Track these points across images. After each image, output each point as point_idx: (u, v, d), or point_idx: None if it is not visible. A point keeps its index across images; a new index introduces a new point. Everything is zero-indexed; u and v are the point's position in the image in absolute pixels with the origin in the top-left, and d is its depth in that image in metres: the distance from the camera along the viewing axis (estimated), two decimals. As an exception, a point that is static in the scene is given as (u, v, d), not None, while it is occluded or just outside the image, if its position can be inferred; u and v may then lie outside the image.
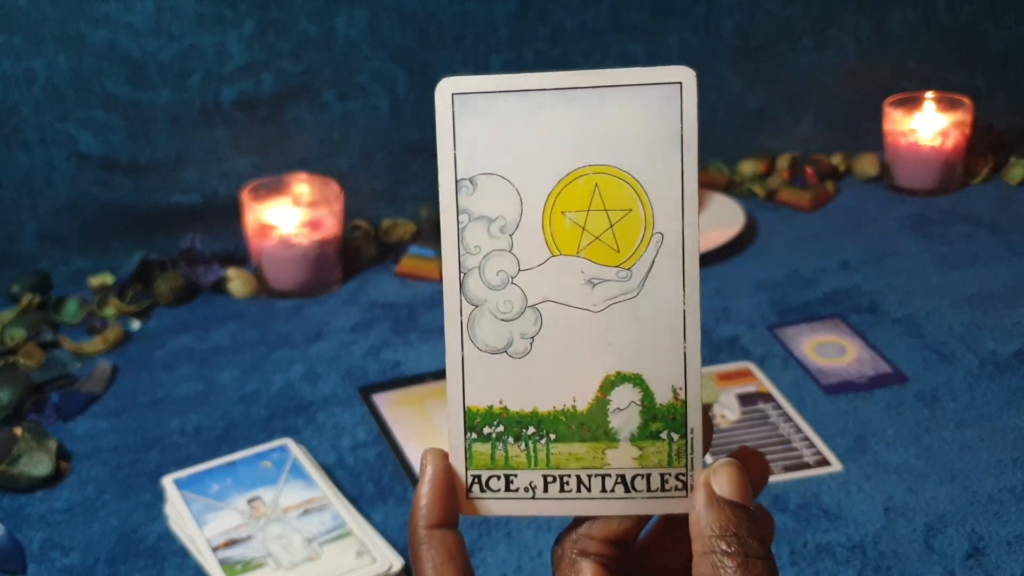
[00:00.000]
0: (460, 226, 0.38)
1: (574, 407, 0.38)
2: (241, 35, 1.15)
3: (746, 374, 0.94)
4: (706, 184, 1.34)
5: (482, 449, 0.39)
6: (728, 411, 0.89)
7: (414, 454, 0.85)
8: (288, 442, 0.85)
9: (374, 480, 0.83)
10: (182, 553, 0.76)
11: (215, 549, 0.74)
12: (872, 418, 0.88)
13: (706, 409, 0.39)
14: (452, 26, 1.22)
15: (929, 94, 1.33)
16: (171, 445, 0.88)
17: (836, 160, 1.39)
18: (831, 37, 1.37)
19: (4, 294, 1.13)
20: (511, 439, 0.39)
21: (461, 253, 0.38)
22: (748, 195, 1.33)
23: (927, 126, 1.30)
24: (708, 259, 1.16)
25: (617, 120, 0.37)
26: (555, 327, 0.38)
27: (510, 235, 0.38)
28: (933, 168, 1.31)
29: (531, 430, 0.39)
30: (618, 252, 0.38)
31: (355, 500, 0.80)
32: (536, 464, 0.39)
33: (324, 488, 0.80)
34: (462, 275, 0.38)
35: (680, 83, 0.37)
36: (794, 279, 1.12)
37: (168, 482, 0.80)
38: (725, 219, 1.22)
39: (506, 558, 0.74)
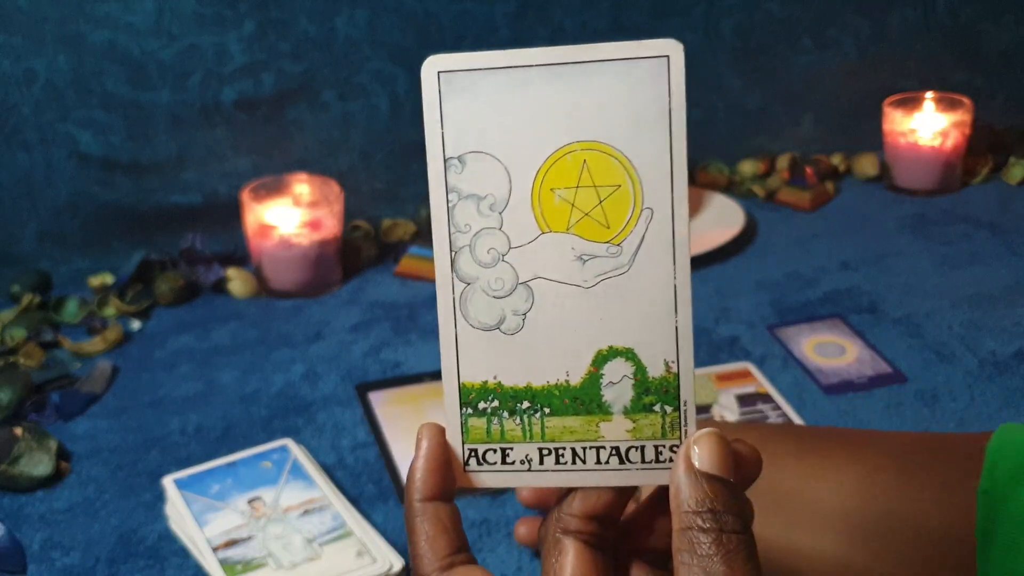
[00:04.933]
0: (450, 205, 0.38)
1: (567, 381, 0.39)
2: (241, 35, 1.15)
3: (745, 374, 0.94)
4: (706, 184, 1.35)
5: (478, 424, 0.39)
6: (727, 412, 0.89)
7: (401, 453, 0.85)
8: (288, 442, 0.85)
9: (374, 480, 0.83)
10: (182, 553, 0.76)
11: (215, 549, 0.74)
12: (872, 418, 0.88)
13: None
14: (452, 26, 1.22)
15: (929, 94, 1.33)
16: (171, 445, 0.88)
17: (836, 160, 1.39)
18: (831, 37, 1.37)
19: (4, 294, 1.13)
20: (506, 413, 0.39)
21: (452, 232, 0.39)
22: (748, 195, 1.33)
23: (927, 126, 1.30)
24: (708, 259, 1.16)
25: (604, 95, 0.37)
26: (547, 303, 0.39)
27: (500, 213, 0.38)
28: (933, 168, 1.31)
29: (525, 404, 0.39)
30: (608, 228, 0.38)
31: (355, 500, 0.80)
32: (531, 437, 0.39)
33: (324, 488, 0.80)
34: (453, 254, 0.39)
35: (668, 56, 0.37)
36: (794, 279, 1.12)
37: (168, 482, 0.80)
38: (725, 219, 1.22)
39: (506, 559, 0.75)
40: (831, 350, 0.98)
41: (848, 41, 1.38)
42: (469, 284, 0.39)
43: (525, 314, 0.39)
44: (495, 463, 0.40)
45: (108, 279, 1.15)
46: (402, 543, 0.76)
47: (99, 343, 1.03)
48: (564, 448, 0.39)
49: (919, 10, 1.39)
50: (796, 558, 0.57)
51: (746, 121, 1.39)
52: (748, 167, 1.37)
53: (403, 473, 0.83)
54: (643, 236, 0.38)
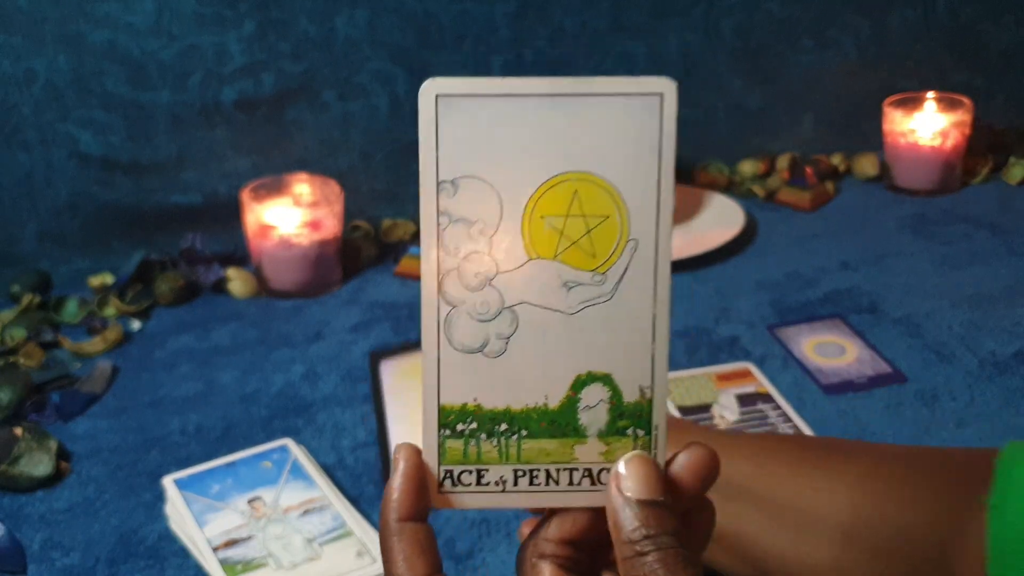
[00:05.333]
0: (440, 228, 0.39)
1: (546, 404, 0.40)
2: (241, 35, 1.15)
3: (745, 374, 0.94)
4: (706, 184, 1.35)
5: (455, 445, 0.40)
6: (727, 412, 0.89)
7: (398, 432, 0.83)
8: (288, 442, 0.85)
9: (374, 481, 0.83)
10: (182, 553, 0.76)
11: (215, 549, 0.74)
12: (872, 418, 0.88)
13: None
14: (452, 26, 1.22)
15: (929, 94, 1.33)
16: (171, 445, 0.88)
17: (836, 160, 1.39)
18: (831, 37, 1.37)
19: (4, 294, 1.13)
20: (484, 435, 0.40)
21: (440, 254, 0.39)
22: (748, 195, 1.33)
23: (927, 126, 1.30)
24: (708, 259, 1.16)
25: (598, 128, 0.38)
26: (530, 328, 0.39)
27: (489, 238, 0.39)
28: (933, 168, 1.31)
29: (503, 427, 0.40)
30: (594, 257, 0.39)
31: (355, 500, 0.80)
32: (507, 459, 0.40)
33: (324, 488, 0.80)
34: (440, 276, 0.39)
35: (661, 95, 0.38)
36: (794, 279, 1.12)
37: (168, 482, 0.80)
38: (725, 219, 1.22)
39: (506, 559, 0.75)
40: (831, 350, 0.98)
41: (848, 41, 1.38)
42: (455, 307, 0.39)
43: (509, 338, 0.39)
44: (470, 484, 0.40)
45: (108, 279, 1.15)
46: (402, 543, 0.76)
47: (99, 343, 1.03)
48: (538, 470, 0.40)
49: (919, 10, 1.39)
50: (786, 564, 0.57)
51: (746, 121, 1.39)
52: (748, 167, 1.37)
53: (392, 453, 0.82)
54: (627, 266, 0.39)
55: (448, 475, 0.40)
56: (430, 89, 0.38)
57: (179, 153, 1.18)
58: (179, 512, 0.78)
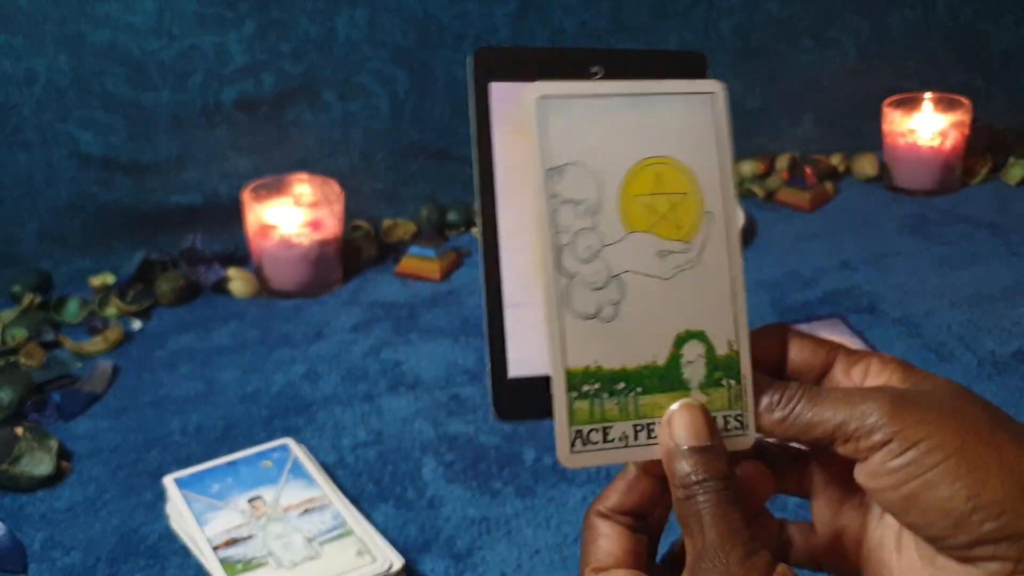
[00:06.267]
0: (551, 208, 0.44)
1: (655, 362, 0.44)
2: (241, 35, 1.15)
3: (746, 374, 0.94)
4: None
5: (582, 406, 0.44)
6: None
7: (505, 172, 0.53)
8: (288, 442, 0.85)
9: (374, 480, 0.83)
10: (183, 552, 0.76)
11: (216, 548, 0.74)
12: (871, 418, 0.88)
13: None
14: (452, 26, 1.22)
15: (928, 94, 1.33)
16: (172, 445, 0.89)
17: (835, 160, 1.39)
18: (831, 37, 1.38)
19: (5, 294, 1.13)
20: (606, 395, 0.44)
21: (555, 232, 0.44)
22: (748, 195, 1.33)
23: (926, 126, 1.30)
24: (708, 259, 1.16)
25: (670, 121, 0.45)
26: (635, 293, 0.44)
27: (593, 215, 0.44)
28: (932, 168, 1.31)
29: (621, 385, 0.44)
30: (679, 228, 0.45)
31: (355, 500, 0.81)
32: (627, 416, 0.44)
33: (324, 488, 0.80)
34: (556, 252, 0.44)
35: (714, 93, 0.46)
36: (794, 279, 1.12)
37: (169, 481, 0.80)
38: (725, 219, 1.23)
39: (506, 557, 0.75)
40: (831, 350, 0.98)
41: (848, 41, 1.38)
42: (571, 278, 0.44)
43: (618, 303, 0.44)
44: (597, 442, 0.44)
45: (109, 279, 1.15)
46: (402, 542, 0.76)
47: (100, 343, 1.03)
48: (654, 423, 0.44)
49: (919, 10, 1.39)
50: None
51: (746, 121, 1.39)
52: (748, 167, 1.37)
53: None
54: (706, 235, 0.45)
55: (578, 435, 0.44)
56: (533, 92, 0.44)
57: (179, 153, 1.18)
58: (180, 511, 0.78)
